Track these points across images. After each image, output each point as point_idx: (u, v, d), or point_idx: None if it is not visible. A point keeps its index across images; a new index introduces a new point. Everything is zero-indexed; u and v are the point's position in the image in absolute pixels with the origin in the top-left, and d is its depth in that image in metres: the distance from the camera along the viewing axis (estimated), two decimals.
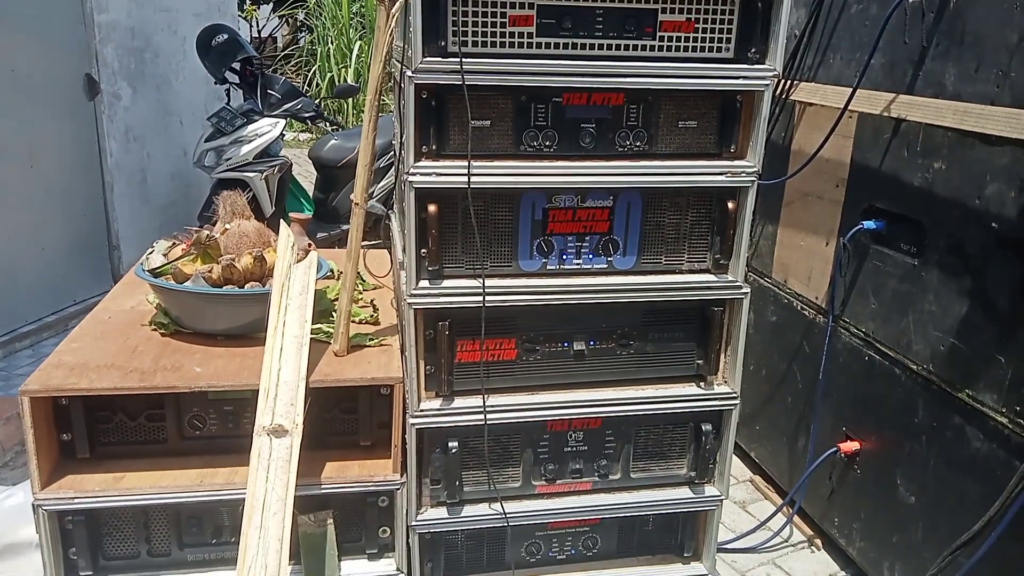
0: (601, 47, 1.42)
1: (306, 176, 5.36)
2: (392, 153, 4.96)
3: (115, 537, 1.49)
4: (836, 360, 2.32)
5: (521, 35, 1.38)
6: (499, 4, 1.36)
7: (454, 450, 1.53)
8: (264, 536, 1.28)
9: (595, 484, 1.67)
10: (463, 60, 1.33)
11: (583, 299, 1.52)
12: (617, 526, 1.73)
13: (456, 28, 1.34)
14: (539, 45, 1.40)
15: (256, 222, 1.63)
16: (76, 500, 1.41)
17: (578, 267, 1.53)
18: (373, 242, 4.03)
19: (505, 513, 1.59)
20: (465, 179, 1.39)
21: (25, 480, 2.30)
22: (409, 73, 1.34)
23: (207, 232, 1.58)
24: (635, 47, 1.43)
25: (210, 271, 1.52)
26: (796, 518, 2.45)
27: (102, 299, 4.28)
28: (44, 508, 1.40)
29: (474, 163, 1.39)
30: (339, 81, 10.03)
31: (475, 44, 1.37)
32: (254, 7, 12.04)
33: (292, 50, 11.15)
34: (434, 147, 1.40)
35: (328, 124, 5.26)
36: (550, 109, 1.43)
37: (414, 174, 1.39)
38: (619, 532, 1.74)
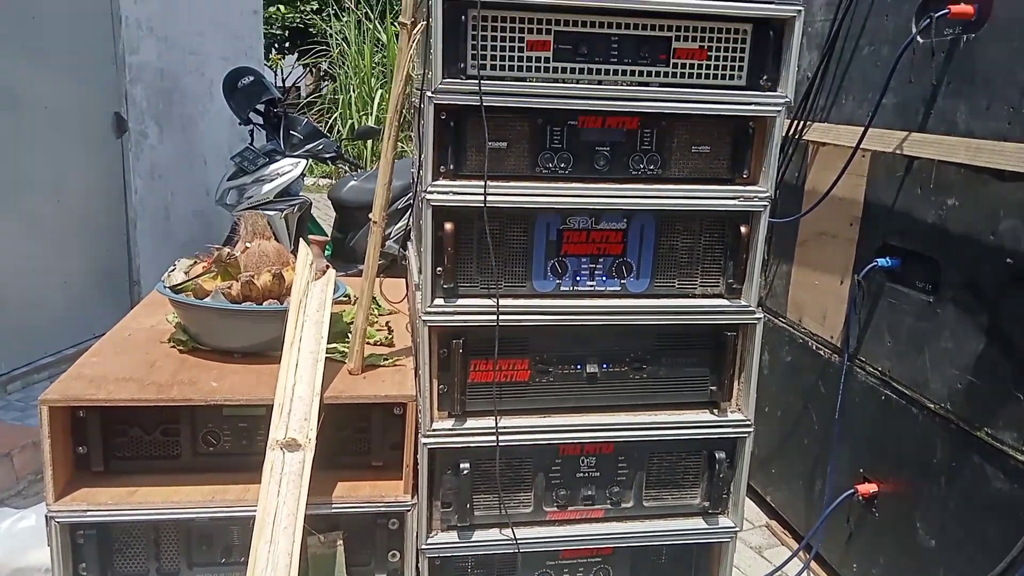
0: (616, 72, 1.46)
1: (325, 219, 5.45)
2: (410, 195, 5.04)
3: (125, 554, 1.48)
4: (852, 400, 2.30)
5: (538, 59, 1.43)
6: (517, 29, 1.40)
7: (466, 472, 1.52)
8: (274, 550, 1.27)
9: (607, 512, 1.65)
10: (481, 82, 1.37)
11: (596, 321, 1.53)
12: (630, 557, 1.70)
13: (475, 51, 1.39)
14: (555, 69, 1.44)
15: (276, 243, 1.67)
16: (89, 513, 1.41)
17: (591, 289, 1.54)
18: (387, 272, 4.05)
19: (516, 539, 1.57)
20: (481, 199, 1.42)
21: (37, 504, 2.31)
22: (429, 94, 1.38)
23: (228, 250, 1.61)
24: (649, 73, 1.47)
25: (229, 287, 1.54)
26: (813, 564, 2.40)
27: None
28: (57, 520, 1.40)
29: (491, 183, 1.42)
30: (360, 126, 10.26)
31: (493, 67, 1.41)
32: (279, 56, 12.41)
33: (315, 98, 11.43)
34: (451, 167, 1.43)
35: (348, 165, 5.36)
36: (566, 132, 1.46)
37: (431, 192, 1.42)
38: (632, 564, 1.71)
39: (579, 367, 1.56)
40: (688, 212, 1.51)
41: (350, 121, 10.30)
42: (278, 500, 1.32)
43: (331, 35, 11.31)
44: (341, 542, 1.49)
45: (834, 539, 2.35)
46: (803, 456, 2.58)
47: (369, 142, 9.47)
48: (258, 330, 1.57)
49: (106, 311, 4.49)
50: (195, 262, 1.68)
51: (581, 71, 1.44)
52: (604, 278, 1.53)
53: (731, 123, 1.49)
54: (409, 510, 1.53)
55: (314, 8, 12.34)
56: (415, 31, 1.37)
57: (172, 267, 1.67)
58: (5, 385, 3.77)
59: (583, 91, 1.43)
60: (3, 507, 2.36)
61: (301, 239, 1.67)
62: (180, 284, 1.58)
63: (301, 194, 4.87)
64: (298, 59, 11.91)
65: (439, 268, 1.46)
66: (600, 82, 1.45)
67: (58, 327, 4.13)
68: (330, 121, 10.62)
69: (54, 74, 3.91)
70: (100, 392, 1.40)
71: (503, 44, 1.40)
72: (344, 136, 9.63)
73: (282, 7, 12.15)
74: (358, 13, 11.25)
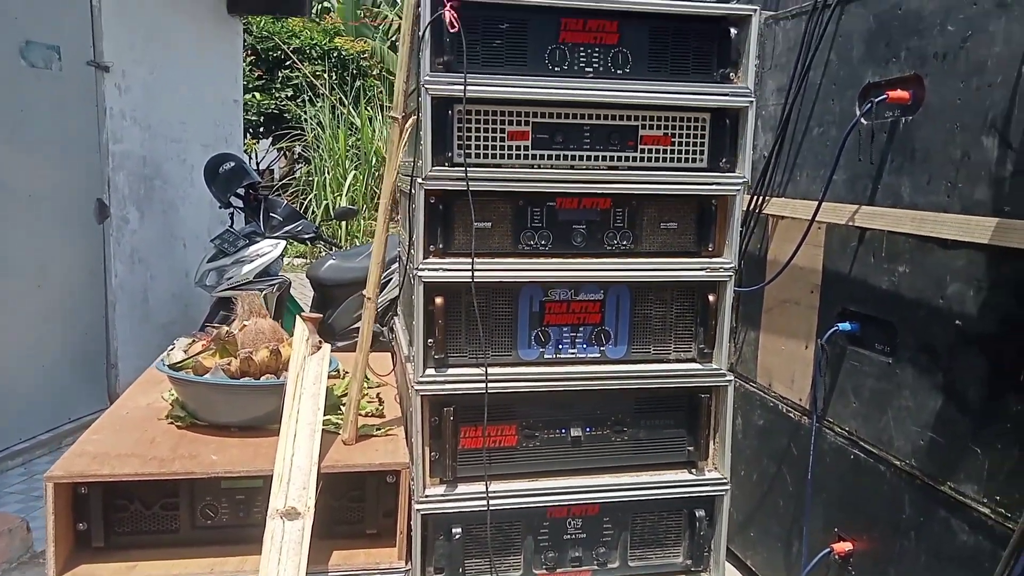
0: (589, 158, 1.60)
1: (302, 298, 5.52)
2: (387, 272, 5.14)
3: None
4: (823, 460, 2.38)
5: (518, 148, 1.57)
6: (499, 121, 1.55)
7: (458, 536, 1.58)
8: None
9: (594, 573, 1.70)
10: (468, 170, 1.50)
11: (578, 386, 1.62)
12: None
13: (461, 142, 1.52)
14: (534, 156, 1.58)
15: (272, 321, 1.75)
16: None
17: (573, 356, 1.64)
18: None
19: None
20: (469, 274, 1.53)
21: None
22: (419, 180, 1.50)
23: (226, 328, 1.69)
24: (620, 158, 1.61)
25: (228, 364, 1.62)
26: None
27: (97, 417, 4.34)
28: None
29: (477, 260, 1.53)
30: (334, 207, 10.44)
31: (478, 155, 1.55)
32: (254, 141, 12.66)
33: (289, 180, 11.64)
34: (440, 245, 1.55)
35: (326, 245, 5.47)
36: (545, 212, 1.59)
37: (423, 269, 1.52)
38: None
39: (564, 431, 1.65)
40: (660, 283, 1.64)
41: (325, 202, 10.50)
42: (279, 568, 1.37)
43: (306, 120, 11.62)
44: None
45: None
46: (779, 518, 2.63)
47: (344, 222, 9.63)
48: (256, 404, 1.63)
49: (82, 394, 4.47)
50: (193, 341, 1.75)
51: (558, 157, 1.59)
52: (584, 346, 1.64)
53: (695, 201, 1.64)
54: None
55: (288, 95, 12.70)
56: (407, 124, 1.51)
57: (172, 346, 1.74)
58: None
59: (560, 175, 1.57)
60: None
61: (298, 316, 1.76)
62: (180, 362, 1.65)
63: (280, 274, 4.96)
64: (272, 143, 12.17)
65: (430, 340, 1.55)
66: (575, 167, 1.59)
67: (34, 411, 4.09)
68: (305, 202, 10.80)
69: (39, 162, 4.01)
70: (104, 468, 1.45)
71: (486, 135, 1.54)
72: (320, 217, 9.79)
73: (257, 95, 12.49)
74: (332, 99, 11.62)
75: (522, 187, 1.55)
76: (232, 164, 4.86)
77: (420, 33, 1.45)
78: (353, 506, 1.63)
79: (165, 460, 1.49)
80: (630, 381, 1.64)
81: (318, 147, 11.24)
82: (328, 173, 10.96)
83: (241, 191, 4.85)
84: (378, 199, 12.03)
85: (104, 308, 4.59)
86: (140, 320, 4.88)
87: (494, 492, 1.59)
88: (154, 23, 4.77)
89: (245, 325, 1.69)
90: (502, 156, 1.56)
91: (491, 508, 1.58)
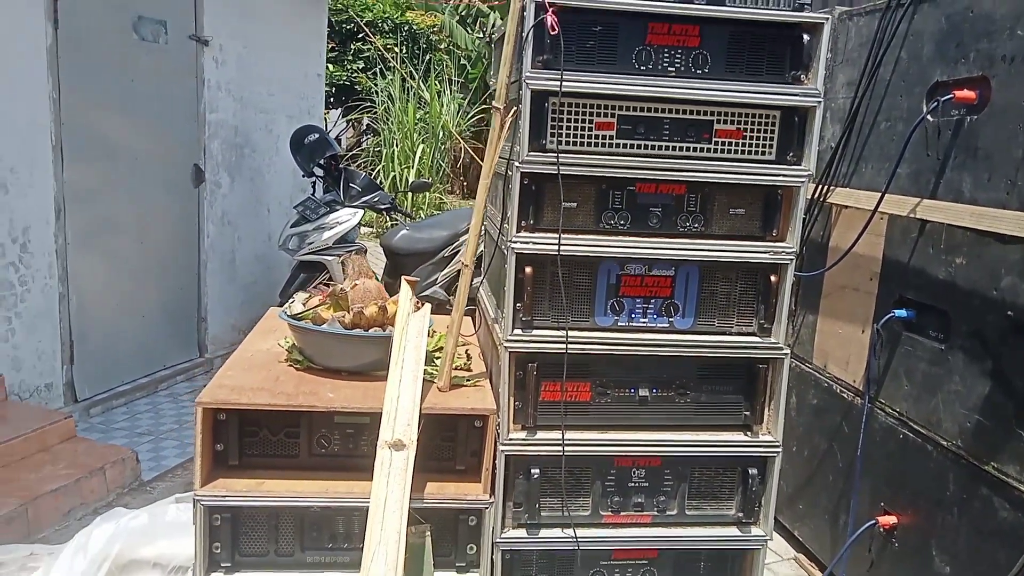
0: (667, 148, 1.78)
1: (375, 264, 5.81)
2: (456, 244, 5.40)
3: (250, 536, 1.77)
4: (873, 439, 2.52)
5: (604, 137, 1.76)
6: (588, 114, 1.74)
7: (535, 476, 1.81)
8: (385, 529, 1.56)
9: (654, 518, 1.91)
10: (559, 155, 1.70)
11: (648, 351, 1.82)
12: (673, 561, 1.95)
13: (554, 131, 1.72)
14: (618, 145, 1.77)
15: (376, 281, 1.99)
16: (227, 498, 1.71)
17: (644, 325, 1.84)
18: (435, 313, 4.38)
19: (577, 538, 1.84)
20: (555, 248, 1.73)
21: (147, 505, 2.61)
22: (517, 164, 1.71)
23: (340, 286, 1.94)
24: (694, 149, 1.79)
25: (343, 317, 1.86)
26: None
27: (188, 365, 4.73)
28: (202, 503, 1.70)
29: (563, 235, 1.73)
30: (401, 180, 10.74)
31: (568, 143, 1.74)
32: (325, 112, 13.02)
33: (358, 151, 11.96)
34: (531, 222, 1.76)
35: (401, 215, 5.75)
36: (625, 195, 1.79)
37: (516, 242, 1.74)
38: (674, 567, 1.96)
39: (633, 391, 1.85)
40: (726, 263, 1.82)
41: (392, 173, 10.78)
42: (387, 490, 1.61)
43: (376, 92, 11.89)
44: (429, 533, 1.77)
45: (857, 568, 2.55)
46: (828, 492, 2.79)
47: (412, 194, 9.92)
48: (364, 352, 1.88)
49: (175, 345, 4.87)
50: (310, 296, 2.00)
51: (638, 146, 1.77)
52: (655, 316, 1.83)
53: (763, 190, 1.81)
54: (487, 508, 1.80)
55: (360, 67, 12.99)
56: (509, 115, 1.71)
57: (292, 299, 2.01)
58: (88, 409, 4.12)
59: (640, 163, 1.75)
60: (117, 507, 2.67)
61: (403, 278, 1.99)
62: (300, 313, 1.91)
63: (357, 241, 5.25)
64: (343, 114, 12.49)
65: (518, 304, 1.77)
66: (654, 156, 1.77)
67: (134, 358, 4.49)
68: (373, 173, 11.13)
69: (144, 129, 4.36)
70: (242, 398, 1.71)
71: (576, 125, 1.74)
72: (387, 189, 10.09)
73: (330, 66, 12.83)
74: (403, 72, 11.86)
75: (606, 172, 1.75)
76: (316, 136, 5.15)
77: (524, 35, 1.65)
78: (445, 445, 1.87)
79: (290, 395, 1.75)
80: (695, 349, 1.83)
81: (387, 119, 11.51)
82: (397, 145, 11.23)
83: (323, 162, 5.13)
84: (444, 172, 12.25)
85: (197, 266, 4.96)
86: (227, 279, 5.25)
87: (569, 440, 1.81)
88: (249, 1, 5.06)
89: (356, 284, 1.94)
90: (589, 144, 1.76)
91: (565, 454, 1.80)
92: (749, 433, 1.90)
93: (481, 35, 14.58)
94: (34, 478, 3.17)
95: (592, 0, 1.66)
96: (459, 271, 5.38)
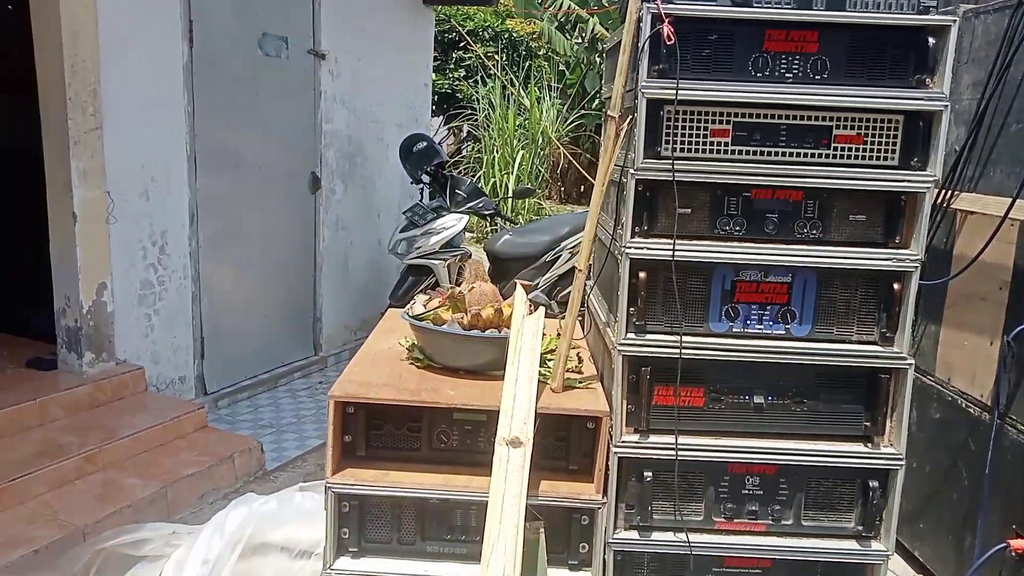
0: (784, 154, 1.78)
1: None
2: (557, 249, 5.47)
3: (375, 524, 1.88)
4: (1003, 457, 2.40)
5: (719, 144, 1.77)
6: (703, 121, 1.76)
7: (648, 479, 1.83)
8: (504, 523, 1.63)
9: (769, 527, 1.90)
10: (674, 162, 1.73)
11: (763, 358, 1.82)
12: (787, 573, 1.93)
13: (669, 138, 1.75)
14: (733, 152, 1.78)
15: (492, 285, 2.07)
16: (355, 487, 1.82)
17: (760, 331, 1.83)
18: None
19: (689, 542, 1.85)
20: (670, 253, 1.76)
21: (274, 493, 2.79)
22: (632, 171, 1.75)
23: (458, 289, 2.03)
24: (813, 155, 1.78)
25: (461, 319, 1.95)
26: None
27: (304, 363, 4.97)
28: (332, 490, 1.83)
29: (677, 241, 1.76)
30: (501, 186, 10.91)
31: (683, 150, 1.77)
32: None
33: (458, 158, 12.23)
34: (645, 227, 1.79)
35: (504, 221, 5.86)
36: (740, 201, 1.79)
37: (630, 248, 1.77)
38: None
39: (747, 398, 1.85)
40: (846, 270, 1.79)
41: (492, 179, 10.96)
42: (505, 485, 1.68)
43: (477, 99, 12.12)
44: (543, 530, 1.83)
45: None
46: (952, 511, 2.67)
47: (516, 200, 10.07)
48: (482, 352, 1.96)
49: (293, 343, 5.14)
50: (430, 298, 2.11)
51: (754, 152, 1.77)
52: (771, 323, 1.83)
53: (884, 196, 1.77)
54: (600, 508, 1.85)
55: (461, 75, 13.28)
56: (625, 124, 1.75)
57: (413, 301, 2.12)
58: (216, 401, 4.42)
59: (756, 170, 1.76)
60: (249, 492, 2.87)
61: (518, 282, 2.06)
62: (421, 314, 2.01)
63: (461, 246, 5.40)
64: (444, 122, 12.79)
65: (632, 308, 1.80)
66: (770, 162, 1.77)
67: (257, 355, 4.78)
68: (473, 180, 11.37)
69: (268, 139, 4.64)
70: (370, 393, 1.83)
71: (691, 132, 1.76)
72: (500, 194, 10.26)
73: (433, 75, 13.23)
74: (503, 79, 12.03)
75: (722, 179, 1.76)
76: (425, 144, 5.33)
77: (640, 45, 1.68)
78: (558, 444, 1.92)
79: (413, 391, 1.85)
80: (813, 358, 1.82)
81: (488, 126, 11.71)
82: (497, 152, 11.41)
83: (430, 169, 5.31)
84: (542, 177, 12.30)
85: (313, 269, 5.23)
86: (340, 281, 5.50)
87: (682, 444, 1.83)
88: (362, 15, 5.30)
89: (473, 287, 2.03)
90: (703, 151, 1.77)
91: (679, 458, 1.82)
92: (869, 444, 1.86)
93: (580, 41, 14.62)
94: (172, 463, 3.44)
95: (708, 9, 1.68)
96: (560, 276, 5.46)
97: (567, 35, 14.65)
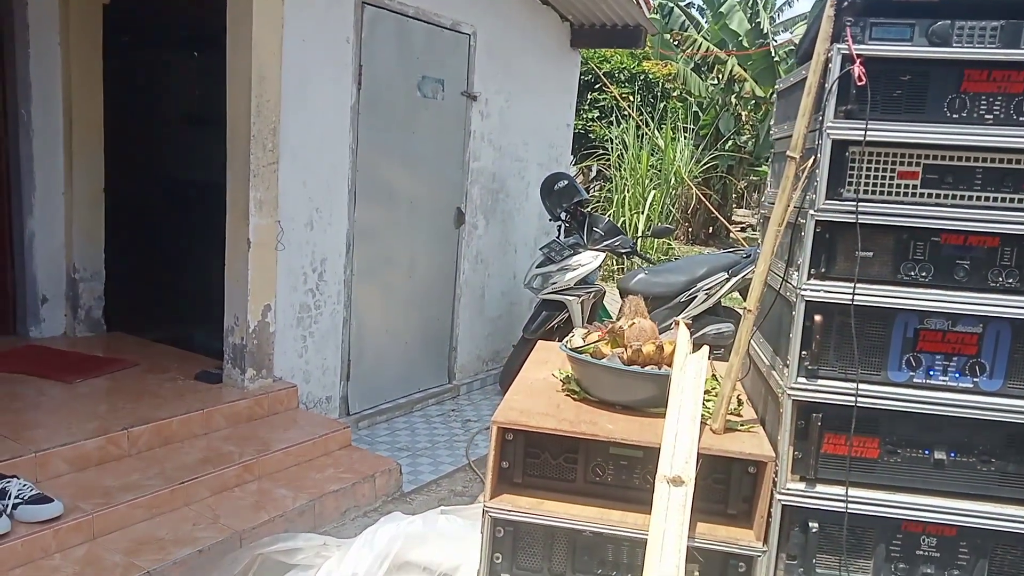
0: (978, 198, 1.69)
1: (611, 305, 5.94)
2: (693, 290, 5.38)
3: (528, 552, 1.90)
4: None
5: (907, 186, 1.71)
6: (890, 163, 1.70)
7: (814, 530, 1.76)
8: (664, 562, 1.61)
9: None
10: (858, 203, 1.68)
11: (948, 412, 1.71)
12: None
13: (852, 179, 1.71)
14: (922, 194, 1.71)
15: (651, 322, 2.07)
16: (511, 513, 1.86)
17: (944, 383, 1.73)
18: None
19: None
20: (848, 296, 1.70)
21: (419, 514, 2.88)
22: (812, 212, 1.72)
23: (619, 324, 2.04)
24: (1011, 200, 1.67)
25: (621, 354, 1.96)
26: None
27: (438, 390, 5.13)
28: (489, 515, 1.86)
29: (858, 285, 1.70)
30: (631, 225, 10.87)
31: (866, 192, 1.72)
32: None
33: (591, 197, 12.34)
34: (822, 270, 1.74)
35: (642, 259, 5.84)
36: (928, 246, 1.71)
37: (806, 290, 1.73)
38: None
39: (927, 453, 1.75)
40: None
41: (622, 219, 10.96)
42: (665, 524, 1.66)
43: (610, 140, 12.21)
44: (698, 574, 1.79)
45: None
46: None
47: (654, 240, 10.04)
48: (640, 388, 1.96)
49: (429, 370, 5.30)
50: (589, 331, 2.13)
51: (945, 196, 1.70)
52: (957, 375, 1.72)
53: None
54: (759, 556, 1.78)
55: (595, 116, 13.44)
56: (805, 164, 1.73)
57: (572, 334, 2.15)
58: (357, 422, 4.61)
59: (948, 214, 1.68)
60: (394, 512, 2.97)
61: (681, 321, 2.06)
62: (580, 347, 2.04)
63: (596, 283, 5.42)
64: (575, 161, 12.97)
65: (804, 352, 1.75)
66: (963, 206, 1.69)
67: (396, 379, 4.97)
68: (609, 218, 11.44)
69: (420, 175, 4.87)
70: (531, 421, 1.86)
71: (878, 174, 1.71)
72: (640, 232, 10.26)
73: None
74: (637, 119, 12.07)
75: (909, 222, 1.69)
76: (565, 183, 5.43)
77: (828, 86, 1.66)
78: (717, 487, 1.88)
79: (572, 422, 1.87)
80: (1004, 414, 1.69)
81: (620, 166, 11.76)
82: (628, 191, 11.42)
83: (569, 206, 5.39)
84: (673, 218, 12.13)
85: (452, 300, 5.39)
86: (476, 312, 5.64)
87: (852, 497, 1.74)
88: (512, 58, 5.49)
89: (632, 323, 2.03)
90: (889, 193, 1.72)
91: (849, 511, 1.74)
92: None
93: (716, 82, 14.48)
94: (320, 478, 3.61)
95: (905, 50, 1.63)
96: (694, 316, 5.35)
97: (703, 76, 14.56)
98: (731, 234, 12.68)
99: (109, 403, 3.74)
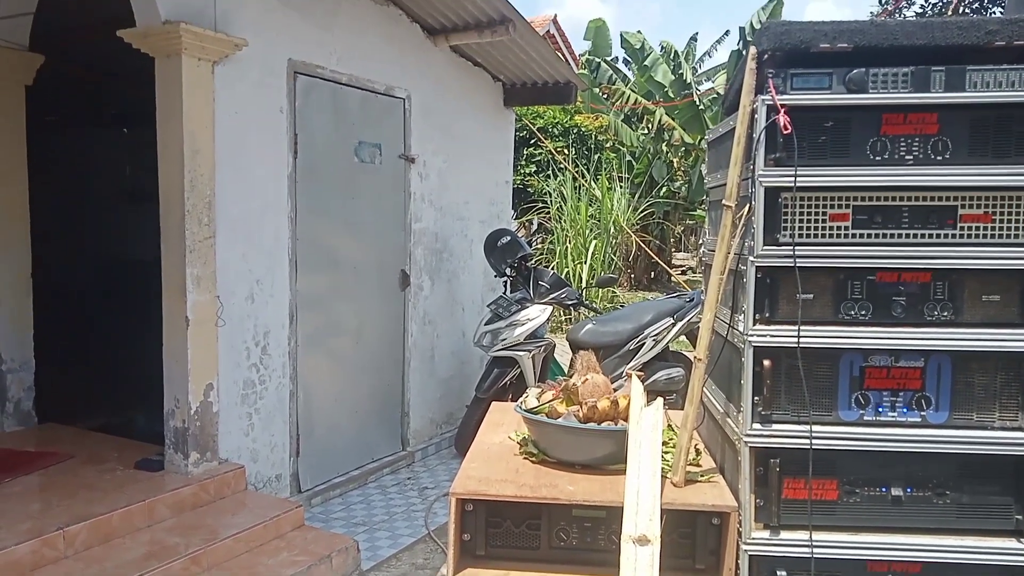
0: (907, 235, 1.74)
1: (562, 356, 5.93)
2: (640, 337, 5.42)
3: None
4: None
5: (839, 228, 1.76)
6: (821, 206, 1.75)
7: None
8: None
9: None
10: (795, 247, 1.72)
11: (899, 448, 1.73)
12: None
13: (787, 224, 1.75)
14: (854, 235, 1.76)
15: (604, 376, 2.06)
16: None
17: (893, 419, 1.76)
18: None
19: None
20: (792, 340, 1.72)
21: None
22: (751, 258, 1.75)
23: (572, 382, 2.03)
24: (937, 235, 1.74)
25: (576, 411, 1.94)
26: None
27: (392, 458, 4.96)
28: None
29: (802, 327, 1.72)
30: (574, 276, 10.99)
31: (801, 236, 1.76)
32: None
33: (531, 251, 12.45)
34: (767, 315, 1.76)
35: (588, 310, 5.87)
36: (864, 285, 1.76)
37: (752, 335, 1.75)
38: None
39: (884, 490, 1.76)
40: (983, 353, 1.71)
41: (566, 269, 11.08)
42: None
43: (549, 193, 12.41)
44: None
45: None
46: None
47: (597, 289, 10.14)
48: (598, 446, 1.93)
49: (382, 438, 5.17)
50: (543, 391, 2.11)
51: (876, 235, 1.75)
52: (904, 410, 1.75)
53: (1020, 275, 1.71)
54: None
55: (531, 171, 13.67)
56: (741, 212, 1.76)
57: (526, 394, 2.12)
58: (310, 499, 4.44)
59: (879, 252, 1.73)
60: None
61: (630, 373, 2.05)
62: (535, 408, 2.01)
63: (545, 336, 5.41)
64: (516, 216, 13.09)
65: (756, 398, 1.76)
66: (893, 244, 1.74)
67: (348, 451, 4.82)
68: (553, 271, 11.53)
69: (362, 239, 4.83)
70: (490, 489, 1.81)
71: (809, 218, 1.75)
72: (585, 283, 10.36)
73: None
74: (573, 172, 12.32)
75: (844, 263, 1.74)
76: (508, 238, 5.46)
77: (755, 136, 1.71)
78: (684, 542, 1.85)
79: (533, 487, 1.83)
80: (952, 446, 1.72)
81: (560, 218, 11.94)
82: (570, 242, 11.57)
83: (514, 262, 5.41)
84: (615, 266, 12.30)
85: (402, 363, 5.30)
86: (427, 374, 5.55)
87: (817, 541, 1.73)
88: (448, 119, 5.55)
89: (586, 379, 2.02)
90: (823, 236, 1.76)
91: (814, 555, 1.73)
92: (1022, 540, 1.73)
93: (646, 132, 14.95)
94: (273, 563, 3.44)
95: (824, 98, 1.70)
96: (643, 363, 5.38)
97: (633, 127, 15.00)
98: (672, 278, 12.93)
99: (42, 501, 3.52)
